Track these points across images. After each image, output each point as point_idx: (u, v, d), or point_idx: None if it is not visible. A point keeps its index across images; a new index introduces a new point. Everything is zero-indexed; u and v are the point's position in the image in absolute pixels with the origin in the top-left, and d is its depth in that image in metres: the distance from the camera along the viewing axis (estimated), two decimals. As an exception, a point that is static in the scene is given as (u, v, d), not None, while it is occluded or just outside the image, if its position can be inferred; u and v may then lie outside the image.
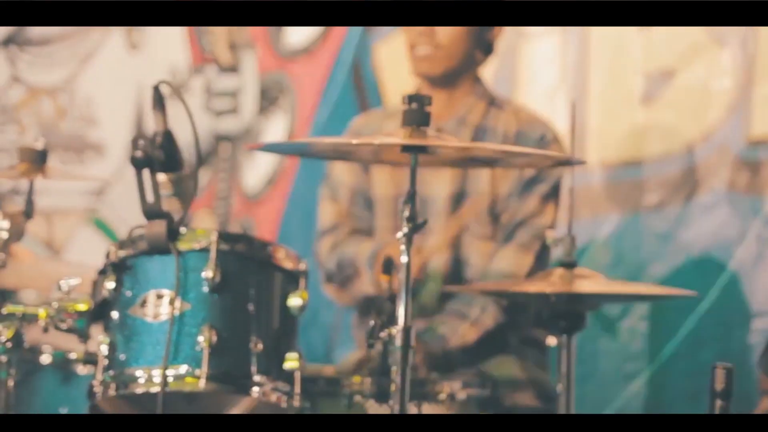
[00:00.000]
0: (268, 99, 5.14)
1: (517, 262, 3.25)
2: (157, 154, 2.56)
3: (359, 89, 4.72)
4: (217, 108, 5.31)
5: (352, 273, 3.29)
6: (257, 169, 5.15)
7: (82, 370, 2.90)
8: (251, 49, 5.23)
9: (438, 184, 3.32)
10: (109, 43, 5.66)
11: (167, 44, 5.51)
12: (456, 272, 3.31)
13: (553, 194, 3.33)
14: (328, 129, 4.72)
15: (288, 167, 5.01)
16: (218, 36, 5.36)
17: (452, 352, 3.16)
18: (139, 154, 2.53)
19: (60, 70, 5.76)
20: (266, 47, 5.13)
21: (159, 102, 2.63)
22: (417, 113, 2.48)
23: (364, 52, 4.70)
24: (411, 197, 2.45)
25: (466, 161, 2.79)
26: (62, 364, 2.93)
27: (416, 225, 2.45)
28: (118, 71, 5.64)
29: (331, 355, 3.96)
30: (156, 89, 2.63)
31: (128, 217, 5.58)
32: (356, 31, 4.69)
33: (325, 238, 3.40)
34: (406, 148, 2.50)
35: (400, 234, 2.46)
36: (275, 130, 5.08)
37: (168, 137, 2.61)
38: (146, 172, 2.56)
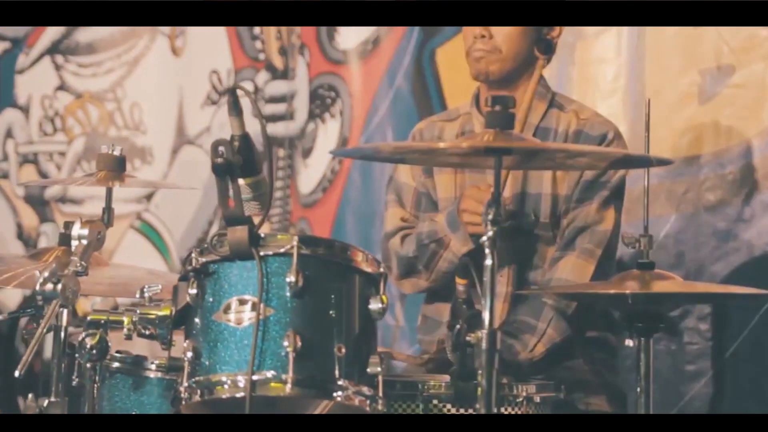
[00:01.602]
0: (319, 104, 5.12)
1: (579, 271, 3.20)
2: (237, 159, 2.56)
3: (420, 94, 4.69)
4: (265, 112, 5.29)
5: (436, 247, 3.26)
6: (310, 174, 5.13)
7: (152, 375, 2.89)
8: (301, 54, 5.21)
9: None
10: (153, 49, 5.67)
11: (209, 49, 5.51)
12: (521, 276, 3.28)
13: (615, 198, 3.28)
14: (382, 134, 4.71)
15: (340, 171, 4.99)
16: (268, 40, 5.35)
17: (521, 363, 3.14)
18: (219, 160, 2.52)
19: (105, 78, 5.78)
20: (317, 51, 5.11)
21: (235, 106, 2.62)
22: (501, 115, 2.47)
23: (426, 57, 4.67)
24: (496, 200, 2.43)
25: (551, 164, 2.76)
26: (132, 369, 2.92)
27: (501, 228, 2.44)
28: (162, 77, 5.65)
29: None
30: (232, 93, 2.62)
31: (173, 223, 5.60)
32: (413, 34, 4.68)
33: (393, 237, 3.38)
34: (490, 150, 2.48)
35: (484, 238, 2.44)
36: (328, 134, 5.07)
37: (246, 141, 2.61)
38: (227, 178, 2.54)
